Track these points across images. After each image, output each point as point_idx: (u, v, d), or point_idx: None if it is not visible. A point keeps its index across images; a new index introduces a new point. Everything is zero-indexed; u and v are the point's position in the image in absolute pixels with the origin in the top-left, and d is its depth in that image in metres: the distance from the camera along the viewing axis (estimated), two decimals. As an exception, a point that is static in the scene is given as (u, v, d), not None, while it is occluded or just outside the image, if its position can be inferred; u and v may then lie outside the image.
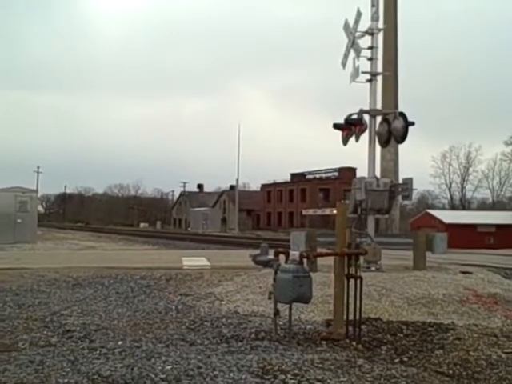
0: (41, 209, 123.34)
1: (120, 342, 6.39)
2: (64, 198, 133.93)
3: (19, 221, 28.54)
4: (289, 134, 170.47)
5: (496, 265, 14.11)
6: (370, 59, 13.05)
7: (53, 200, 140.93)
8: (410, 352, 6.37)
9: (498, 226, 41.84)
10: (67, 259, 16.13)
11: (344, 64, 13.59)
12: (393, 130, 12.86)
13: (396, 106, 25.00)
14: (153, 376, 4.87)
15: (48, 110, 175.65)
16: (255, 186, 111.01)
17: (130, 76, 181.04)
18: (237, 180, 76.98)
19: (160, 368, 5.12)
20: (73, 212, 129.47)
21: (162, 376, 4.88)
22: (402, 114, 12.86)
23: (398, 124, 12.73)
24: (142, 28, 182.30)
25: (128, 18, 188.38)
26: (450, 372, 5.66)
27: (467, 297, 9.47)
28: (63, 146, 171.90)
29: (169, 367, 5.16)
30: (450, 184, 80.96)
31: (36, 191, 34.89)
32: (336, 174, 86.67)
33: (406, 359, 6.08)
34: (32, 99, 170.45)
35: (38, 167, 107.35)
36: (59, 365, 5.23)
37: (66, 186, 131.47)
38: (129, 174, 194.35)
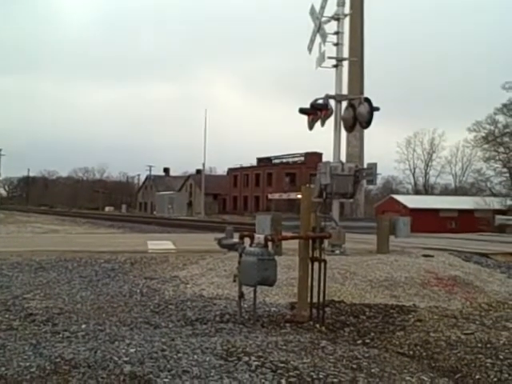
0: (3, 192, 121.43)
1: (83, 326, 6.35)
2: (27, 182, 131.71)
3: (-20, 204, 27.98)
4: (255, 118, 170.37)
5: (457, 248, 14.39)
6: (336, 44, 13.07)
7: (16, 183, 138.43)
8: (372, 334, 6.48)
9: (460, 211, 42.70)
10: (30, 243, 15.90)
11: (310, 49, 13.60)
12: (358, 116, 12.94)
13: (361, 92, 25.16)
14: (116, 359, 4.85)
15: (11, 92, 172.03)
16: (222, 170, 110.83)
17: (96, 60, 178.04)
18: (203, 164, 76.77)
19: (124, 351, 5.11)
20: (36, 195, 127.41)
21: (126, 359, 4.87)
22: (367, 100, 12.94)
23: (363, 109, 12.81)
24: (107, 12, 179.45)
25: (92, 2, 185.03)
26: (411, 353, 5.79)
27: (428, 280, 9.65)
28: (26, 129, 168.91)
29: (132, 350, 5.15)
30: (414, 169, 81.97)
31: (-2, 174, 34.21)
32: (302, 158, 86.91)
33: (368, 341, 6.19)
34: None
35: (0, 150, 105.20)
36: (21, 348, 5.17)
37: (29, 170, 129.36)
38: (94, 157, 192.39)
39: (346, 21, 13.71)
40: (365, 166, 14.59)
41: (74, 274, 10.24)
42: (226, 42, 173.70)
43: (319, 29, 13.19)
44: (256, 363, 4.91)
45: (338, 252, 11.95)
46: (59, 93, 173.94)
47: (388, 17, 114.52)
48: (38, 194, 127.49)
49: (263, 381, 4.54)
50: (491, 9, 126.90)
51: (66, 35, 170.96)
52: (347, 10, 13.64)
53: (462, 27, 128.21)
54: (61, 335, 5.82)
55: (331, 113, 13.03)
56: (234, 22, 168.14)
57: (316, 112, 13.03)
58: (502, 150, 49.83)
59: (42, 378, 4.44)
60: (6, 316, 6.92)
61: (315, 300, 6.85)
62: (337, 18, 13.08)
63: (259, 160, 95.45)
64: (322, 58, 13.15)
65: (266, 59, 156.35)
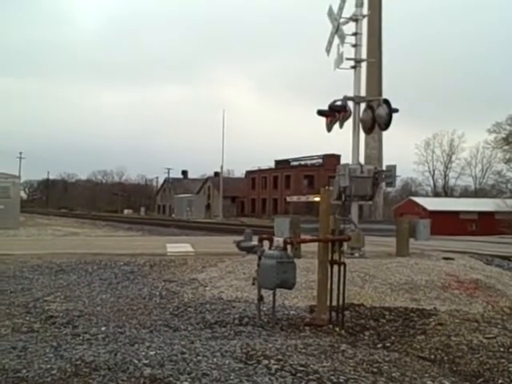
0: (23, 195, 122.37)
1: (103, 328, 6.37)
2: (47, 185, 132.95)
3: (1, 207, 28.28)
4: (273, 120, 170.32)
5: (478, 251, 14.25)
6: (355, 46, 13.01)
7: (36, 186, 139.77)
8: (393, 337, 6.43)
9: (480, 213, 42.29)
10: (50, 245, 16.03)
11: (328, 50, 13.55)
12: (377, 117, 12.87)
13: (380, 93, 25.04)
14: (136, 361, 4.86)
15: (32, 95, 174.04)
16: (240, 172, 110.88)
17: (115, 63, 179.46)
18: (221, 167, 76.92)
19: (143, 354, 5.12)
20: (56, 198, 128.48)
21: (146, 361, 4.87)
22: (386, 101, 12.86)
23: (382, 111, 12.73)
24: (120, 14, 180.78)
25: (105, 4, 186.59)
26: (432, 357, 5.73)
27: (449, 283, 9.55)
28: (47, 132, 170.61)
29: (152, 353, 5.15)
30: (433, 171, 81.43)
31: (18, 177, 34.56)
32: (320, 160, 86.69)
33: (388, 344, 6.14)
34: (15, 85, 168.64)
35: (21, 153, 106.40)
36: (42, 351, 5.20)
37: (49, 172, 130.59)
38: (112, 160, 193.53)
39: (364, 22, 13.66)
40: (384, 167, 14.51)
41: (93, 276, 10.30)
42: (245, 43, 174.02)
43: (337, 30, 13.14)
44: (275, 366, 4.88)
45: (357, 255, 11.88)
46: (77, 96, 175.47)
47: (404, 16, 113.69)
48: (58, 197, 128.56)
49: (283, 384, 4.52)
50: (508, 7, 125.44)
51: (79, 38, 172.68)
52: (365, 10, 13.58)
53: (483, 25, 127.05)
54: (81, 337, 5.84)
55: (350, 114, 12.97)
56: (254, 22, 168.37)
57: (334, 114, 12.98)
58: (522, 151, 49.35)
59: (62, 380, 4.46)
60: (27, 318, 6.98)
61: (335, 303, 6.81)
62: (355, 19, 13.02)
63: (277, 162, 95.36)
64: (340, 59, 13.10)
65: (281, 60, 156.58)
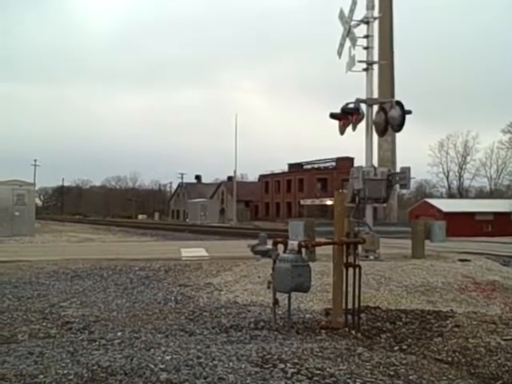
0: (38, 202, 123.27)
1: (119, 333, 6.39)
2: (62, 191, 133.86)
3: (17, 214, 28.52)
4: (286, 124, 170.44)
5: (494, 252, 14.14)
6: (366, 48, 13.00)
7: (50, 193, 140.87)
8: (409, 340, 6.38)
9: (496, 214, 41.94)
10: (66, 251, 16.13)
11: (340, 53, 13.55)
12: (390, 119, 12.83)
13: (392, 95, 25.00)
14: (152, 366, 4.86)
15: (45, 102, 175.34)
16: (253, 176, 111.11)
17: (126, 67, 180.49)
18: (234, 171, 76.96)
19: (159, 358, 5.12)
20: (71, 205, 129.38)
21: (162, 366, 4.87)
22: (399, 103, 12.82)
23: (395, 113, 12.69)
24: (131, 20, 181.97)
25: (117, 10, 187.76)
26: (449, 359, 5.68)
27: (466, 284, 9.49)
28: (60, 139, 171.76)
29: (168, 357, 5.15)
30: (448, 173, 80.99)
31: (33, 184, 34.84)
32: (334, 163, 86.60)
33: (405, 347, 6.09)
34: (27, 91, 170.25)
35: (36, 160, 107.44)
36: (59, 356, 5.23)
37: (63, 179, 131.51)
38: (126, 165, 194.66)
39: (376, 24, 13.64)
40: (397, 170, 14.46)
41: (109, 281, 10.33)
42: (258, 46, 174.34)
43: (349, 33, 13.14)
44: (292, 370, 4.86)
45: (372, 257, 11.84)
46: (90, 102, 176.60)
47: (416, 16, 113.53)
48: (73, 203, 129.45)
49: (299, 388, 4.51)
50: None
51: (91, 44, 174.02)
52: (376, 13, 13.57)
53: (496, 23, 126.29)
54: (97, 343, 5.86)
55: (362, 117, 12.95)
56: (267, 25, 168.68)
57: (347, 116, 12.96)
58: (537, 151, 48.95)
59: (79, 385, 4.48)
60: (44, 324, 7.01)
61: (350, 306, 6.78)
62: (366, 21, 13.01)
63: (290, 166, 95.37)
64: (352, 61, 13.09)
65: (292, 63, 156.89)
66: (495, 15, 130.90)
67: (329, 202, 70.18)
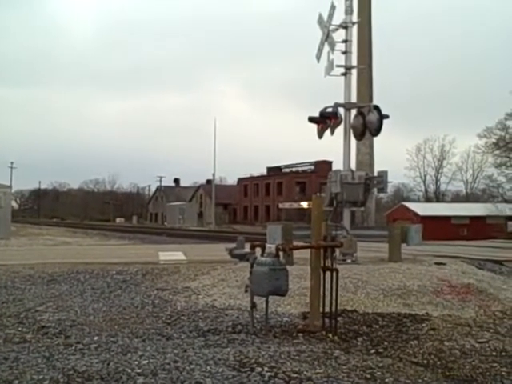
0: (15, 205, 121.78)
1: (96, 338, 6.35)
2: (38, 194, 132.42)
3: (-8, 217, 28.17)
4: (265, 128, 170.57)
5: (469, 256, 14.30)
6: (345, 53, 13.06)
7: (27, 196, 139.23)
8: (386, 343, 6.43)
9: (472, 218, 42.50)
10: (42, 255, 15.95)
11: (318, 58, 13.60)
12: (367, 123, 12.91)
13: (371, 99, 25.15)
14: (129, 371, 4.84)
15: (21, 104, 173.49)
16: (232, 180, 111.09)
17: (103, 71, 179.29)
18: (213, 174, 76.96)
19: (136, 363, 5.10)
20: (48, 208, 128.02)
21: (139, 371, 4.86)
22: (377, 107, 12.91)
23: (373, 117, 12.78)
24: (115, 23, 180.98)
25: (102, 14, 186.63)
26: (425, 362, 5.74)
27: (441, 288, 9.58)
28: (37, 142, 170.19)
29: (145, 362, 5.14)
30: (425, 177, 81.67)
31: (10, 187, 34.52)
32: (312, 167, 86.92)
33: (381, 350, 6.14)
34: (5, 94, 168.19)
35: (12, 162, 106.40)
36: (34, 361, 5.18)
37: (40, 182, 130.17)
38: (104, 168, 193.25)
39: (354, 29, 13.72)
40: (375, 173, 14.55)
41: (86, 285, 10.26)
42: (234, 51, 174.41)
43: (327, 37, 13.19)
44: (269, 374, 4.88)
45: (349, 261, 11.89)
46: (68, 104, 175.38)
47: (396, 22, 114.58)
48: (49, 206, 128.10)
49: (276, 392, 4.52)
50: (503, 12, 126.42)
51: (73, 46, 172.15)
52: (355, 18, 13.65)
53: (473, 31, 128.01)
54: (73, 347, 5.82)
55: (340, 121, 13.01)
56: (243, 30, 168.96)
57: (325, 120, 13.01)
58: (513, 155, 49.61)
59: (55, 390, 4.44)
60: (19, 329, 6.94)
61: (327, 309, 6.81)
62: (345, 26, 13.08)
63: (269, 169, 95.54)
64: (330, 66, 13.15)
65: (271, 67, 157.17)
66: (477, 25, 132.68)
67: (304, 205, 70.62)
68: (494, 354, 6.01)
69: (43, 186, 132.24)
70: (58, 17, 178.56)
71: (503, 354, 6.01)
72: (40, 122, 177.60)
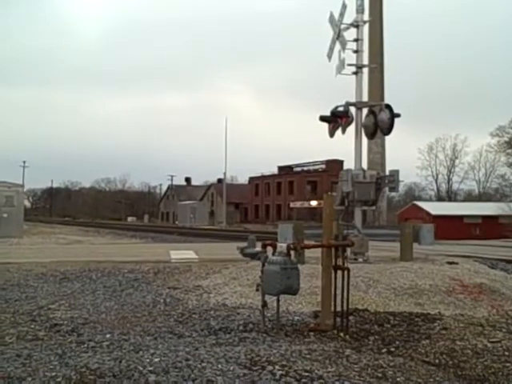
0: (27, 203, 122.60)
1: (108, 336, 6.38)
2: (51, 193, 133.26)
3: (5, 215, 28.39)
4: (276, 127, 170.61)
5: (482, 255, 14.24)
6: (356, 51, 13.03)
7: (39, 195, 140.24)
8: (397, 342, 6.42)
9: (484, 217, 42.26)
10: (54, 254, 16.06)
11: (330, 56, 13.57)
12: (379, 122, 12.87)
13: (382, 98, 25.09)
14: (141, 368, 4.86)
15: (33, 104, 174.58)
16: (243, 179, 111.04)
17: (116, 70, 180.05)
18: (224, 173, 76.99)
19: (148, 360, 5.12)
20: (60, 206, 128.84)
21: (150, 368, 4.88)
22: (388, 106, 12.87)
23: (384, 116, 12.74)
24: (120, 23, 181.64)
25: (105, 13, 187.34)
26: (437, 361, 5.72)
27: (453, 287, 9.54)
28: (50, 141, 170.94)
29: (157, 359, 5.16)
30: (437, 176, 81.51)
31: (22, 186, 34.68)
32: (323, 166, 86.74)
33: (393, 349, 6.13)
34: (15, 94, 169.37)
35: (24, 162, 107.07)
36: (47, 358, 5.21)
37: (52, 181, 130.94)
38: (116, 167, 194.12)
39: (366, 27, 13.68)
40: (387, 172, 14.51)
41: (97, 284, 10.31)
42: (247, 50, 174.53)
43: (338, 36, 13.17)
44: (280, 372, 4.88)
45: (360, 260, 11.87)
46: (78, 104, 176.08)
47: (406, 20, 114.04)
48: (62, 205, 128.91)
49: (288, 390, 4.52)
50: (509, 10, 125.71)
51: (79, 47, 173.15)
52: (366, 16, 13.60)
53: (485, 28, 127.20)
54: (86, 345, 5.85)
55: (352, 120, 12.98)
56: (255, 29, 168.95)
57: (336, 119, 12.98)
58: (525, 154, 49.30)
59: (67, 387, 4.47)
60: (32, 326, 6.98)
61: (339, 308, 6.80)
62: (356, 25, 13.04)
63: (280, 168, 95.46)
64: (341, 65, 13.12)
65: (283, 67, 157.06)
66: (487, 22, 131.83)
67: (313, 204, 70.54)
68: (507, 353, 5.97)
69: (55, 185, 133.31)
70: (62, 17, 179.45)
71: (516, 353, 5.98)
72: (52, 121, 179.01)
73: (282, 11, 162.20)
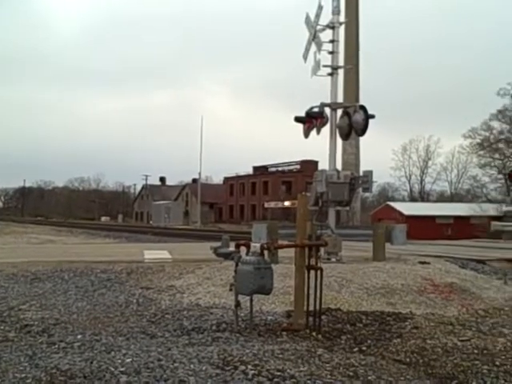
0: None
1: (79, 336, 6.32)
2: (23, 192, 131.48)
3: (-24, 215, 27.92)
4: (251, 127, 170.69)
5: (453, 255, 14.41)
6: (331, 53, 13.09)
7: (11, 194, 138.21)
8: (369, 341, 6.47)
9: (456, 218, 42.84)
10: (26, 253, 15.86)
11: (305, 58, 13.62)
12: (353, 123, 12.95)
13: (357, 100, 25.23)
14: (112, 369, 4.83)
15: (5, 102, 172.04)
16: (218, 179, 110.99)
17: (92, 68, 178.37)
18: (199, 173, 76.78)
19: (120, 361, 5.09)
20: (32, 206, 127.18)
21: (122, 369, 4.85)
22: (363, 107, 12.96)
23: (359, 117, 12.82)
24: (98, 21, 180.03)
25: (85, 10, 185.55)
26: (408, 360, 5.78)
27: (425, 287, 9.65)
28: (22, 139, 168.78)
29: (129, 360, 5.13)
30: (410, 176, 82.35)
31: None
32: (298, 166, 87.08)
33: (364, 348, 6.18)
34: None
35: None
36: (17, 359, 5.15)
37: (25, 180, 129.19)
38: (89, 167, 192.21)
39: (341, 29, 13.75)
40: (361, 173, 14.61)
41: (70, 284, 10.21)
42: (222, 50, 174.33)
43: (314, 37, 13.21)
44: (253, 372, 4.89)
45: (334, 260, 11.94)
46: (54, 102, 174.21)
47: (383, 22, 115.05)
48: (34, 205, 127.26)
49: (260, 390, 4.53)
50: (488, 15, 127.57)
51: (59, 44, 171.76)
52: (342, 18, 13.68)
53: (457, 33, 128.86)
54: (57, 346, 5.79)
55: (326, 121, 13.04)
56: (230, 29, 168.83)
57: (311, 120, 13.03)
58: (497, 156, 50.10)
59: (37, 389, 4.42)
60: (2, 327, 6.89)
61: (312, 308, 6.84)
62: (332, 26, 13.10)
63: (255, 168, 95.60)
64: (317, 66, 13.17)
65: (259, 67, 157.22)
66: (461, 25, 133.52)
67: (286, 204, 70.79)
68: (476, 352, 6.06)
69: (28, 185, 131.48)
70: (45, 14, 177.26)
71: (485, 352, 6.07)
72: (24, 119, 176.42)
73: (261, 11, 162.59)
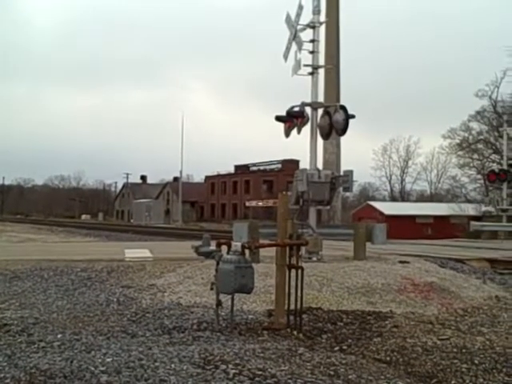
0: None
1: (59, 335, 6.27)
2: (2, 190, 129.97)
3: (-46, 213, 27.58)
4: (233, 126, 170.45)
5: (433, 254, 14.52)
6: (312, 52, 13.13)
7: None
8: (350, 340, 6.51)
9: (436, 218, 43.14)
10: (5, 252, 15.69)
11: (286, 57, 13.65)
12: (334, 123, 13.01)
13: (338, 99, 25.34)
14: (92, 369, 4.81)
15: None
16: (199, 177, 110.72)
17: (70, 66, 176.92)
18: (180, 171, 76.65)
19: (100, 360, 5.07)
20: (12, 204, 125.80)
21: (102, 368, 4.82)
22: (343, 107, 13.02)
23: (339, 117, 12.88)
24: (78, 15, 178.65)
25: (65, 6, 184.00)
26: (388, 359, 5.83)
27: (405, 286, 9.72)
28: (1, 136, 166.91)
29: (109, 359, 5.11)
30: (390, 176, 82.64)
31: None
32: (279, 166, 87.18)
33: (345, 347, 6.22)
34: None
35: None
36: (-5, 359, 5.10)
37: (4, 178, 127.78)
38: (70, 165, 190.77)
39: (322, 29, 13.80)
40: (341, 173, 14.67)
41: (49, 283, 10.12)
42: (204, 48, 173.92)
43: (295, 37, 13.24)
44: (233, 371, 4.90)
45: (315, 259, 11.97)
46: (33, 98, 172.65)
47: (365, 24, 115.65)
48: (14, 203, 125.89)
49: (241, 389, 4.54)
50: (469, 17, 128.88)
51: (35, 39, 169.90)
52: (323, 18, 13.73)
53: (438, 35, 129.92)
54: (36, 345, 5.74)
55: (307, 120, 13.09)
56: (212, 27, 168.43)
57: (292, 119, 13.06)
58: (476, 156, 50.51)
59: (16, 389, 4.38)
60: (-20, 327, 6.81)
61: (292, 307, 6.86)
62: (312, 26, 13.14)
63: (236, 167, 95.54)
64: (297, 65, 13.20)
65: (240, 66, 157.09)
66: (440, 27, 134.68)
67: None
68: (455, 350, 6.13)
69: (7, 182, 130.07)
70: (18, 5, 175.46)
71: (464, 350, 6.14)
72: (3, 116, 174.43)
73: (241, 9, 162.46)
